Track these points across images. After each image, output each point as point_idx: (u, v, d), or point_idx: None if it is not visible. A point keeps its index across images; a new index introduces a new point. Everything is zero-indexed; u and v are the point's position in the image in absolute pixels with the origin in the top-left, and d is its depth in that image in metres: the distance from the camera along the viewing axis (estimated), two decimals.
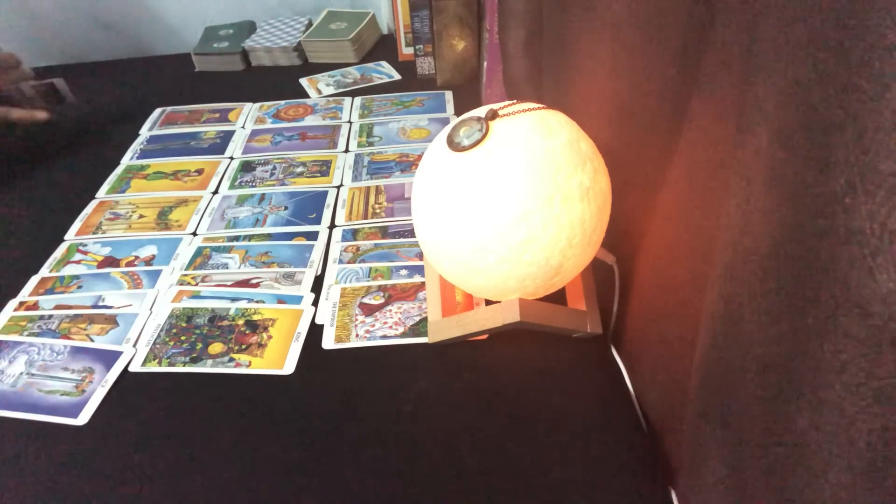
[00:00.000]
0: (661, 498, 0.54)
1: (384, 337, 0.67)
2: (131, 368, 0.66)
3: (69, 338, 0.69)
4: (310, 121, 1.08)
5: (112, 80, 1.26)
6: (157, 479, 0.56)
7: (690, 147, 0.46)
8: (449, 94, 1.11)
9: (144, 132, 1.08)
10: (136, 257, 0.81)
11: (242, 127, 1.07)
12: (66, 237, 0.85)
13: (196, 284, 0.76)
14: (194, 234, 0.84)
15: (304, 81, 1.20)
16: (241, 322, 0.70)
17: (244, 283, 0.75)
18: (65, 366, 0.66)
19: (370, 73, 1.22)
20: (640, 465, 0.56)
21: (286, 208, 0.88)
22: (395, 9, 1.20)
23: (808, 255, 0.30)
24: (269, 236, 0.83)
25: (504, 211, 0.54)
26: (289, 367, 0.65)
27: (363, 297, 0.72)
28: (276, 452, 0.58)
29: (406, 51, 1.24)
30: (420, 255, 0.76)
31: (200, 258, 0.80)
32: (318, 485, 0.55)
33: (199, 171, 0.97)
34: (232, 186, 0.93)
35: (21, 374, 0.66)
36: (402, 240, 0.80)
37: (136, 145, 1.04)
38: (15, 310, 0.74)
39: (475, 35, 1.10)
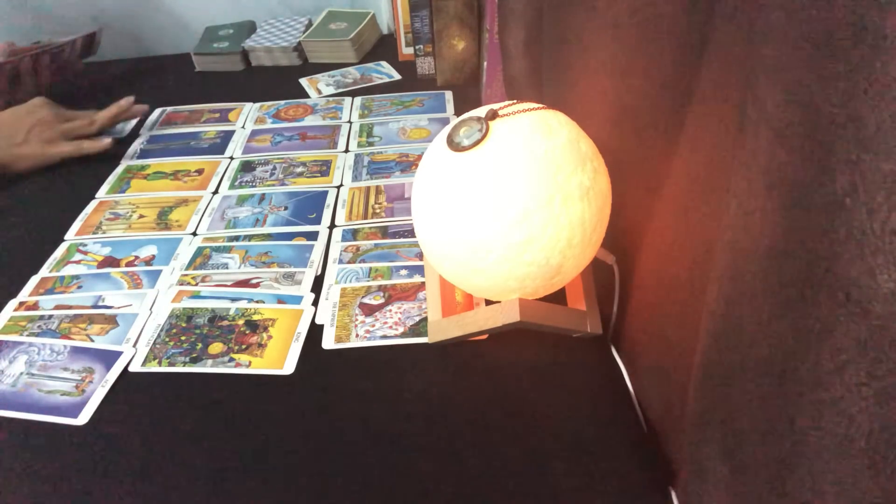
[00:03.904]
0: (661, 498, 0.54)
1: (384, 337, 0.67)
2: (131, 368, 0.66)
3: (69, 338, 0.69)
4: (310, 121, 1.08)
5: (112, 80, 1.26)
6: (157, 479, 0.56)
7: (690, 147, 0.46)
8: (449, 94, 1.11)
9: (144, 132, 1.08)
10: (136, 257, 0.81)
11: (242, 127, 1.07)
12: (66, 237, 0.85)
13: (196, 284, 0.76)
14: (194, 234, 0.84)
15: (304, 81, 1.20)
16: (241, 322, 0.70)
17: (244, 283, 0.75)
18: (65, 366, 0.66)
19: (370, 73, 1.22)
20: (640, 465, 0.56)
21: (286, 208, 0.88)
22: (395, 9, 1.20)
23: (808, 255, 0.30)
24: (269, 236, 0.83)
25: (504, 211, 0.54)
26: (289, 367, 0.65)
27: (363, 297, 0.72)
28: (276, 452, 0.58)
29: (406, 51, 1.24)
30: (420, 255, 0.76)
31: (200, 258, 0.80)
32: (319, 485, 0.55)
33: (199, 171, 0.97)
34: (232, 186, 0.93)
35: (21, 374, 0.66)
36: (402, 240, 0.80)
37: (136, 145, 1.04)
38: (15, 310, 0.74)
39: (475, 35, 1.10)
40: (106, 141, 1.00)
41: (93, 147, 1.00)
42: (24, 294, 0.76)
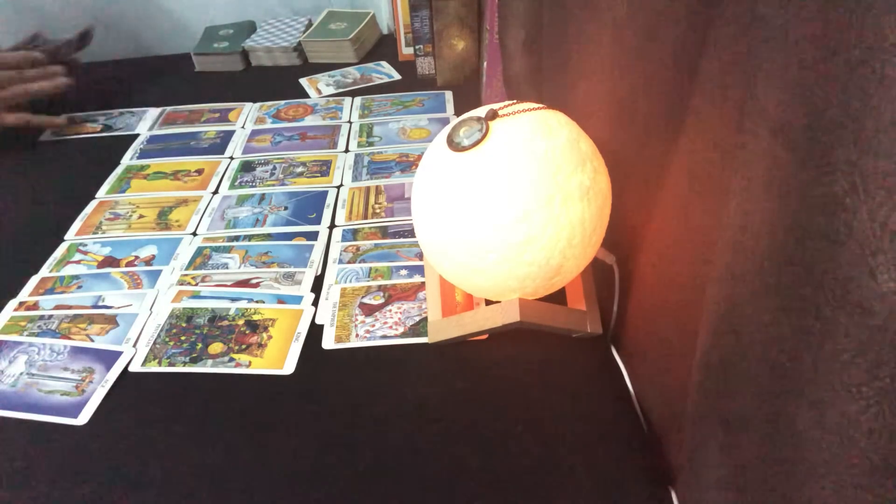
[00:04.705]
0: (661, 498, 0.54)
1: (384, 337, 0.67)
2: (131, 368, 0.66)
3: (69, 338, 0.69)
4: (310, 121, 1.08)
5: (112, 80, 1.26)
6: (157, 479, 0.56)
7: (690, 147, 0.46)
8: (449, 94, 1.11)
9: (144, 132, 1.08)
10: (136, 257, 0.81)
11: (242, 127, 1.07)
12: (66, 237, 0.85)
13: (196, 284, 0.76)
14: (194, 234, 0.84)
15: (304, 81, 1.20)
16: (241, 322, 0.70)
17: (244, 283, 0.75)
18: (65, 366, 0.66)
19: (370, 73, 1.22)
20: (640, 465, 0.56)
21: (286, 208, 0.88)
22: (395, 9, 1.20)
23: (808, 255, 0.30)
24: (269, 236, 0.83)
25: (504, 211, 0.54)
26: (289, 367, 0.65)
27: (363, 297, 0.72)
28: (276, 452, 0.58)
29: (406, 51, 1.24)
30: (420, 255, 0.76)
31: (200, 258, 0.80)
32: (318, 485, 0.55)
33: (199, 171, 0.97)
34: (232, 186, 0.93)
35: (21, 374, 0.66)
36: (402, 240, 0.80)
37: (136, 145, 1.04)
38: (15, 310, 0.74)
39: (475, 35, 1.10)
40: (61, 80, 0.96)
41: (43, 122, 0.96)
42: (24, 294, 0.76)
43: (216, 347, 0.67)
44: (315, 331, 0.69)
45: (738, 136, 0.36)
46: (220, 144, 1.03)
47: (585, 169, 0.56)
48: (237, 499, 0.55)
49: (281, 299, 0.73)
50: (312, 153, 0.99)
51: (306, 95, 1.16)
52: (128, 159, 1.01)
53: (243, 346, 0.67)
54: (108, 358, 0.67)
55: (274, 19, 1.35)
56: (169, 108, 1.14)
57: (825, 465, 0.31)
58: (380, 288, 0.73)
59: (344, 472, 0.56)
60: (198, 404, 0.63)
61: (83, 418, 0.62)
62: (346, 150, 0.99)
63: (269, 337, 0.68)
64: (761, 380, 0.36)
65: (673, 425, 0.56)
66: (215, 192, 0.92)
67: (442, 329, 0.64)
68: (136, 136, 1.07)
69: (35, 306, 0.74)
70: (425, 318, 0.68)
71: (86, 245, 0.84)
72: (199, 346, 0.68)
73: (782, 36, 0.31)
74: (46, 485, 0.57)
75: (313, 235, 0.82)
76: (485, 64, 1.03)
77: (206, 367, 0.66)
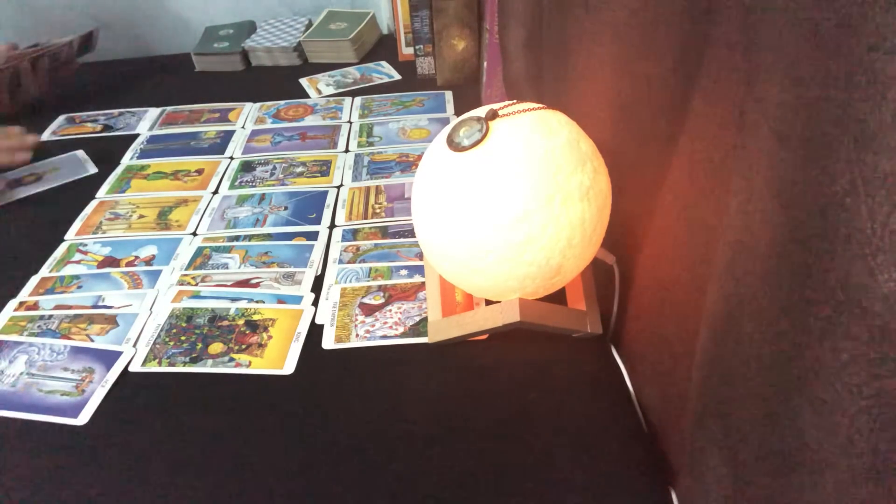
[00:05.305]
0: (661, 498, 0.54)
1: (384, 337, 0.67)
2: (131, 368, 0.66)
3: (69, 338, 0.69)
4: (310, 121, 1.08)
5: (112, 80, 1.26)
6: (157, 479, 0.56)
7: (690, 147, 0.46)
8: (449, 94, 1.11)
9: (144, 132, 1.08)
10: (136, 257, 0.81)
11: (242, 127, 1.07)
12: (66, 237, 0.85)
13: (196, 284, 0.76)
14: (194, 234, 0.84)
15: (304, 81, 1.20)
16: (241, 322, 0.70)
17: (244, 283, 0.75)
18: (65, 366, 0.66)
19: (370, 73, 1.22)
20: (640, 465, 0.56)
21: (286, 208, 0.88)
22: (395, 9, 1.20)
23: (808, 255, 0.30)
24: (269, 236, 0.83)
25: (504, 211, 0.54)
26: (289, 367, 0.65)
27: (363, 297, 0.72)
28: (276, 452, 0.58)
29: (406, 51, 1.24)
30: (420, 255, 0.76)
31: (200, 258, 0.80)
32: (318, 485, 0.55)
33: (199, 171, 0.97)
34: (232, 186, 0.93)
35: (21, 374, 0.66)
36: (402, 240, 0.80)
37: (136, 145, 1.04)
38: (15, 310, 0.74)
39: (475, 35, 1.10)
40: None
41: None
42: (24, 294, 0.76)
43: (216, 347, 0.67)
44: (315, 331, 0.69)
45: (738, 136, 0.36)
46: (220, 144, 1.03)
47: (585, 169, 0.56)
48: (237, 498, 0.55)
49: (281, 299, 0.73)
50: (312, 153, 0.99)
51: (306, 95, 1.16)
52: (128, 159, 1.01)
53: (243, 346, 0.67)
54: (108, 358, 0.67)
55: (274, 19, 1.35)
56: (169, 108, 1.14)
57: (825, 464, 0.31)
58: (380, 288, 0.73)
59: (344, 471, 0.56)
60: (198, 405, 0.63)
61: (83, 418, 0.62)
62: (346, 150, 0.99)
63: (269, 337, 0.68)
64: (761, 380, 0.36)
65: (673, 425, 0.56)
66: (215, 192, 0.92)
67: (442, 329, 0.64)
68: (136, 136, 1.07)
69: (35, 306, 0.74)
70: (425, 318, 0.68)
71: (86, 245, 0.84)
72: (199, 346, 0.68)
73: (782, 36, 0.31)
74: (46, 485, 0.57)
75: (313, 235, 0.82)
76: (485, 64, 1.03)
77: (206, 367, 0.66)
